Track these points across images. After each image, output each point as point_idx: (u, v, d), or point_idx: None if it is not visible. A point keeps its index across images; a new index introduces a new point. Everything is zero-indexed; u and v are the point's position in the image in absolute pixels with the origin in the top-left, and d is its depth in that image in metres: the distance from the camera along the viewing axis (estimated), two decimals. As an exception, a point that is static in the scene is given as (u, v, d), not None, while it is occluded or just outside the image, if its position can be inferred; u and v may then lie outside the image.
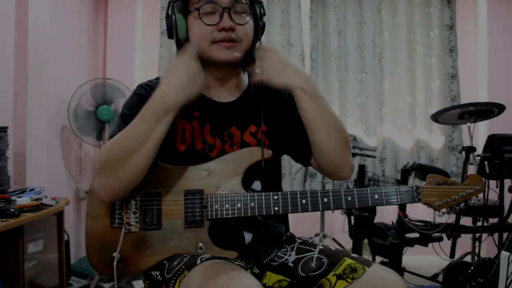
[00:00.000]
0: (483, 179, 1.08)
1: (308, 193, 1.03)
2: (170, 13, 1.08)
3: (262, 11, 1.11)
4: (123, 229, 1.03)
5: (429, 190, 1.04)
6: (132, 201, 1.04)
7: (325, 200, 1.02)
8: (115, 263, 1.00)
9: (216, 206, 1.03)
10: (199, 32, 1.05)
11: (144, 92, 1.10)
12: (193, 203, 1.04)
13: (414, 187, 1.04)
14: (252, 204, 1.02)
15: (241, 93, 1.16)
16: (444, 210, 1.05)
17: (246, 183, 1.10)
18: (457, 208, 1.06)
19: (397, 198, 1.03)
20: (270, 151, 1.09)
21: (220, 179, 1.06)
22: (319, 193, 1.02)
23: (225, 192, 1.05)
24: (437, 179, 1.05)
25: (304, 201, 1.02)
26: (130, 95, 1.15)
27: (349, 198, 1.02)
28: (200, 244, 1.02)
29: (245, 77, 1.19)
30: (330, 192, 1.02)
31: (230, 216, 1.02)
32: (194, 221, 1.03)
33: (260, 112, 1.13)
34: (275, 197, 1.03)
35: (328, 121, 1.05)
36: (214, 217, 1.03)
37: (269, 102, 1.16)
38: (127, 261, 1.03)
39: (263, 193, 1.03)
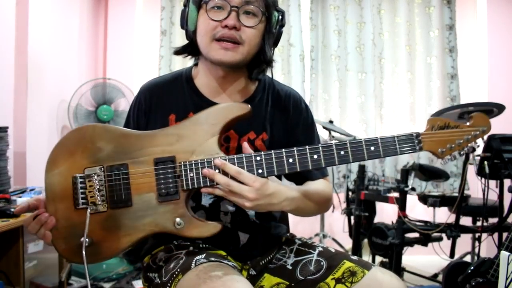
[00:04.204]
0: (489, 120, 0.95)
1: (295, 151, 0.92)
2: (186, 3, 1.06)
3: (280, 18, 1.06)
4: (89, 210, 0.93)
5: (430, 136, 0.93)
6: (95, 176, 0.95)
7: (315, 157, 0.92)
8: (83, 249, 0.91)
9: (192, 174, 0.93)
10: (203, 26, 1.03)
11: (136, 98, 1.16)
12: (165, 173, 0.94)
13: (414, 134, 0.93)
14: None
15: (244, 98, 1.13)
16: (448, 157, 0.94)
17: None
18: (462, 153, 0.95)
19: (396, 148, 0.92)
20: (249, 106, 0.98)
21: (193, 142, 0.95)
22: (307, 150, 0.92)
23: (200, 157, 0.94)
24: (439, 122, 0.94)
25: (291, 160, 0.92)
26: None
27: (342, 153, 0.92)
28: (178, 220, 0.93)
29: (252, 83, 1.15)
30: (320, 148, 0.92)
31: (208, 184, 0.93)
32: (168, 194, 0.94)
33: (263, 120, 1.10)
34: (258, 158, 0.92)
35: (309, 212, 1.08)
36: (190, 187, 0.93)
37: (274, 115, 1.13)
38: (99, 245, 0.94)
39: (243, 155, 0.93)
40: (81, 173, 0.95)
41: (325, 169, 1.16)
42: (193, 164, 0.93)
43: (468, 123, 0.94)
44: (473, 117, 0.95)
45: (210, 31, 1.01)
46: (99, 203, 0.94)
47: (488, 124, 0.94)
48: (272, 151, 0.93)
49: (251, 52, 1.04)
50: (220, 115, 0.97)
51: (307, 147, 0.93)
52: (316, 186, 1.10)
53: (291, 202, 0.97)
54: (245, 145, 0.97)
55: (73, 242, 0.93)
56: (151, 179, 0.94)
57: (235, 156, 0.93)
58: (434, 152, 0.94)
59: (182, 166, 0.94)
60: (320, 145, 0.93)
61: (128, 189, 0.94)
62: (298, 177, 1.14)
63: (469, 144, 0.94)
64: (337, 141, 0.94)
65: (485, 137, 0.97)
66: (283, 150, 0.93)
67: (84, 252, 0.91)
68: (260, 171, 0.92)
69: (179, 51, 1.13)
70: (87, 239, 0.92)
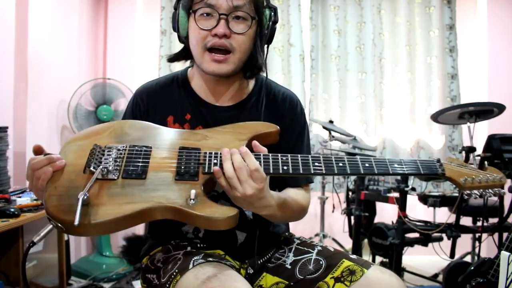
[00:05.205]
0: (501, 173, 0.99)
1: (322, 158, 0.94)
2: (176, 7, 1.06)
3: (271, 15, 1.04)
4: (99, 169, 0.86)
5: (450, 166, 0.96)
6: (115, 150, 0.92)
7: (340, 164, 0.94)
8: (79, 205, 0.78)
9: (215, 161, 0.91)
10: (194, 35, 1.03)
11: (133, 101, 1.14)
12: (188, 157, 0.92)
13: (436, 159, 0.97)
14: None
15: (240, 99, 1.13)
16: (469, 192, 0.95)
17: None
18: (487, 193, 0.96)
19: (419, 169, 0.95)
20: (277, 126, 1.01)
21: (220, 142, 0.96)
22: (333, 159, 0.94)
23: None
24: (456, 161, 0.97)
25: (317, 163, 0.94)
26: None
27: (367, 165, 0.95)
28: (193, 192, 0.86)
29: (248, 83, 1.15)
30: (346, 159, 0.94)
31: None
32: (187, 173, 0.90)
33: (259, 120, 1.09)
34: (284, 158, 0.93)
35: (280, 220, 1.07)
36: (211, 170, 0.89)
37: (269, 117, 1.11)
38: (95, 207, 0.82)
39: (270, 154, 0.94)
40: (102, 146, 0.93)
41: (310, 176, 1.15)
42: (219, 154, 0.92)
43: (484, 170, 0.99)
44: (488, 168, 0.99)
45: (201, 41, 1.01)
46: (112, 169, 0.88)
47: (502, 175, 0.98)
48: (299, 155, 0.94)
49: (243, 58, 1.04)
50: (250, 128, 1.01)
51: (333, 156, 0.94)
52: (297, 195, 1.09)
53: (267, 209, 0.96)
54: (256, 143, 0.96)
55: (67, 201, 0.82)
56: (172, 161, 0.92)
57: (262, 154, 0.93)
58: (456, 181, 0.96)
59: (207, 154, 0.93)
60: (345, 156, 0.95)
61: (146, 164, 0.90)
62: (281, 179, 1.12)
63: (495, 189, 0.96)
64: (362, 157, 0.97)
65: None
66: (309, 155, 0.95)
67: (79, 207, 0.78)
68: (285, 167, 0.92)
69: (172, 59, 1.14)
70: (85, 196, 0.80)
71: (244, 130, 1.00)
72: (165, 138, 0.97)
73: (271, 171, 0.92)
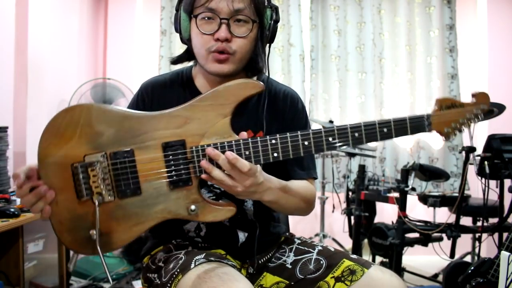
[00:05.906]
0: (489, 97, 0.98)
1: (311, 134, 0.91)
2: (177, 9, 1.06)
3: (272, 15, 1.05)
4: (96, 202, 0.87)
5: (439, 117, 0.94)
6: (98, 164, 0.89)
7: (330, 139, 0.90)
8: (97, 243, 0.86)
9: (204, 159, 0.89)
10: (197, 39, 1.03)
11: (138, 93, 1.14)
12: (175, 159, 0.90)
13: (426, 116, 0.93)
14: (247, 152, 0.90)
15: None
16: (452, 136, 0.97)
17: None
18: (462, 130, 0.98)
19: (408, 130, 0.93)
20: (262, 83, 0.94)
21: (204, 124, 0.91)
22: (323, 133, 0.91)
23: (212, 140, 0.90)
24: (446, 102, 0.96)
25: (306, 143, 0.90)
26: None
27: (356, 135, 0.91)
28: (193, 207, 0.90)
29: None
30: (335, 130, 0.90)
31: (222, 169, 0.89)
32: (180, 180, 0.90)
33: (260, 119, 1.10)
34: (273, 141, 0.90)
35: (288, 208, 1.07)
36: (204, 173, 0.90)
37: (271, 113, 1.12)
38: (108, 235, 0.89)
39: (258, 138, 0.90)
40: (81, 161, 0.89)
41: (313, 171, 1.15)
42: (206, 148, 0.89)
43: (472, 101, 0.97)
44: (477, 95, 0.98)
45: (205, 45, 1.01)
46: (105, 192, 0.88)
47: (488, 101, 0.97)
48: (288, 133, 0.91)
49: (244, 59, 1.05)
50: (232, 94, 0.92)
51: (322, 129, 0.91)
52: (299, 184, 1.09)
53: (271, 192, 0.96)
54: (243, 134, 0.94)
55: (80, 234, 0.89)
56: (160, 165, 0.90)
57: (249, 139, 0.91)
58: (441, 132, 0.95)
59: (194, 152, 0.90)
60: (335, 127, 0.91)
61: (136, 178, 0.90)
62: (284, 175, 1.12)
63: (471, 123, 0.97)
64: (352, 124, 0.92)
65: (479, 125, 0.99)
66: (299, 132, 0.91)
67: (99, 247, 0.87)
68: (275, 154, 0.90)
69: (176, 61, 1.14)
70: (97, 233, 0.87)
71: (226, 100, 0.92)
72: (142, 131, 0.90)
73: (262, 161, 0.91)
